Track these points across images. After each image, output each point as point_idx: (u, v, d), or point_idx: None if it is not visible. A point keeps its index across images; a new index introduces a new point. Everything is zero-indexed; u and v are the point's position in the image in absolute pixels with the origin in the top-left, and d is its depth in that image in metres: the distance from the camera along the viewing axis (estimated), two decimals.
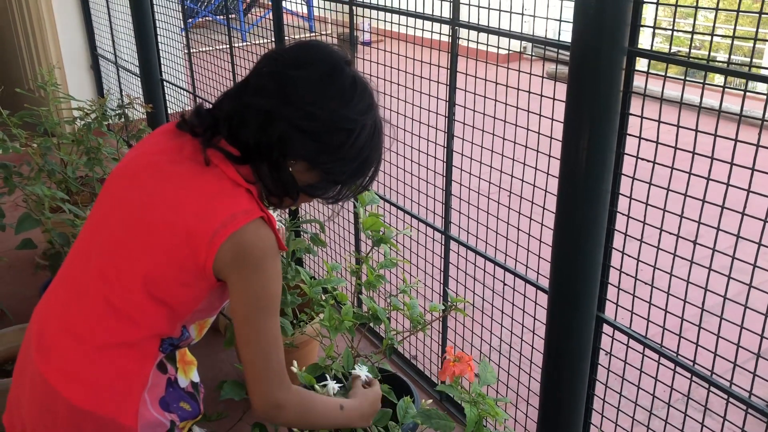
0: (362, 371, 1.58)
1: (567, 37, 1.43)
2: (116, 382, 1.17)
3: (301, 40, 1.27)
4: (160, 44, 3.96)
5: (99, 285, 1.17)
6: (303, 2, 4.18)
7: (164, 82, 4.03)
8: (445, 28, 1.97)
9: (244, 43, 3.32)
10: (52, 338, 1.19)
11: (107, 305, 1.16)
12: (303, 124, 1.14)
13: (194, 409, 1.33)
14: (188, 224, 1.12)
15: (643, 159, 1.45)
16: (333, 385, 1.56)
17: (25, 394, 1.22)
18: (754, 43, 1.21)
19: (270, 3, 2.76)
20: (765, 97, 1.13)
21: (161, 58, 3.99)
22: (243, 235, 1.12)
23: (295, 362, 1.71)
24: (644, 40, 1.37)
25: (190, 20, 7.64)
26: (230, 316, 1.19)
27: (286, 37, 2.81)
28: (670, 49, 1.36)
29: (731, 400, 1.39)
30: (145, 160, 1.22)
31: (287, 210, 2.86)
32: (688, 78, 1.34)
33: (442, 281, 2.32)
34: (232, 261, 1.12)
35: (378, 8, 2.24)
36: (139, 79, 4.16)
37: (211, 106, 1.26)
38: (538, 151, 1.78)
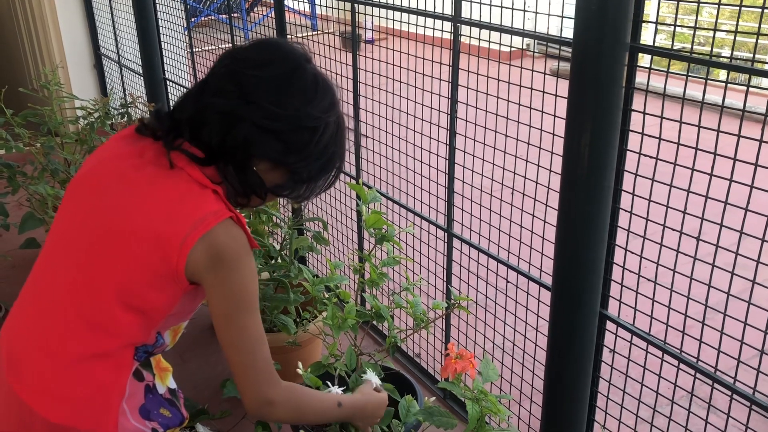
0: (373, 378, 1.59)
1: (569, 33, 1.43)
2: (93, 395, 1.15)
3: (260, 39, 1.26)
4: (162, 43, 3.96)
5: (70, 297, 1.15)
6: (306, 0, 4.18)
7: (167, 81, 4.03)
8: (447, 25, 1.97)
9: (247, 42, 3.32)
10: (23, 355, 1.17)
11: (79, 317, 1.14)
12: (266, 124, 1.13)
13: (175, 416, 1.31)
14: (158, 229, 1.11)
15: (645, 155, 1.44)
16: (336, 390, 1.56)
17: None
18: (757, 39, 1.20)
19: (272, 2, 2.76)
20: None
21: (164, 57, 3.99)
22: (214, 236, 1.10)
23: (300, 363, 1.71)
24: (647, 37, 1.35)
25: (193, 19, 7.64)
26: (211, 319, 1.19)
27: (288, 36, 2.81)
28: (672, 45, 1.35)
29: (735, 396, 1.39)
30: (107, 168, 1.20)
31: (290, 208, 2.86)
32: (690, 74, 1.33)
33: (445, 279, 2.32)
34: (206, 263, 1.11)
35: (380, 5, 2.23)
36: (141, 78, 4.17)
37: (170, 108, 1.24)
38: (540, 148, 1.77)
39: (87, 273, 1.14)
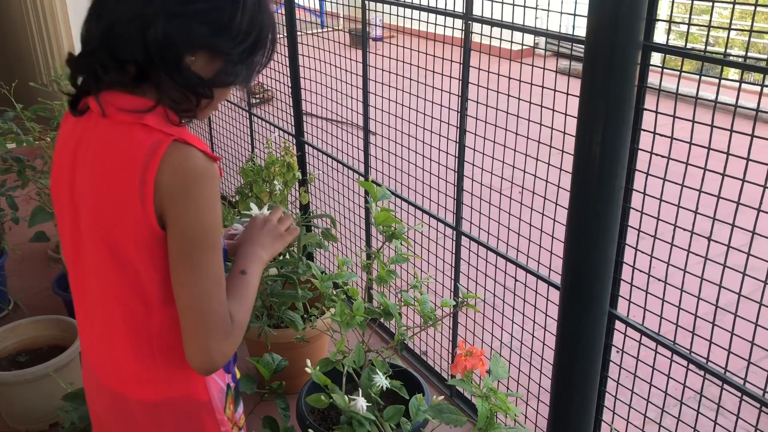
0: (253, 209, 1.38)
1: (580, 32, 1.43)
2: (178, 367, 1.13)
3: None
4: None
5: (98, 291, 1.13)
6: None
7: None
8: (458, 23, 1.97)
9: None
10: (99, 346, 1.18)
11: (115, 311, 1.13)
12: (184, 10, 1.02)
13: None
14: (113, 196, 1.04)
15: (657, 155, 1.44)
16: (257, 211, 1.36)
17: (100, 409, 1.22)
18: None
19: None
20: None
21: None
22: (163, 172, 1.00)
23: (308, 361, 1.72)
24: (658, 38, 1.36)
25: None
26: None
27: (298, 32, 2.81)
28: (686, 44, 1.34)
29: (744, 398, 1.38)
30: (59, 157, 1.15)
31: (298, 205, 2.86)
32: (703, 74, 1.33)
33: (453, 277, 2.32)
34: (165, 202, 1.02)
35: (391, 2, 2.23)
36: None
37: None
38: (551, 147, 1.77)
39: (97, 269, 1.12)
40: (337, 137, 2.80)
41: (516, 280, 2.04)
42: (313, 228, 2.58)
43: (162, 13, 1.01)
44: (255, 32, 1.09)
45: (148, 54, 1.01)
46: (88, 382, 1.25)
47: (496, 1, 1.86)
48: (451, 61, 2.08)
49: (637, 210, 1.51)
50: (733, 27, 1.24)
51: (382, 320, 1.88)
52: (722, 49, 1.26)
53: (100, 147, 1.05)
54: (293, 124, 3.00)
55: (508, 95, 1.89)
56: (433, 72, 2.19)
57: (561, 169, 1.70)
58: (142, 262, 1.07)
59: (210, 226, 1.04)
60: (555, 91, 1.70)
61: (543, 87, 1.75)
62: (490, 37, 1.88)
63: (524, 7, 1.78)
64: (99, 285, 1.14)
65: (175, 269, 1.04)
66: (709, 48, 1.27)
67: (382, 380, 1.62)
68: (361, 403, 1.56)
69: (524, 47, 1.74)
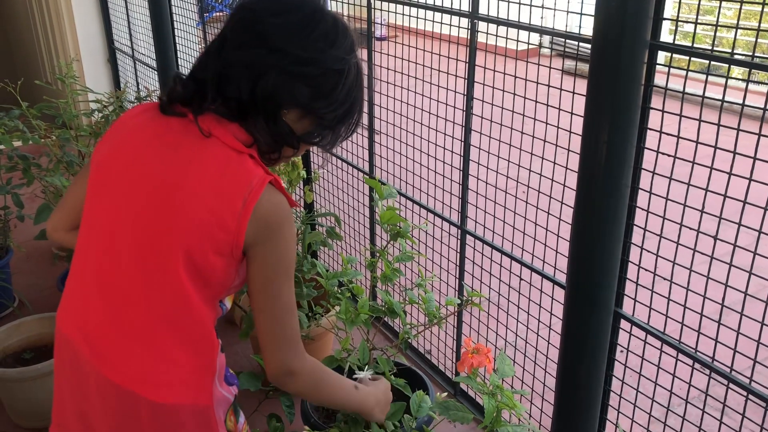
0: (365, 374, 1.57)
1: (586, 31, 1.43)
2: (193, 376, 1.18)
3: None
4: (177, 38, 3.97)
5: (144, 286, 1.14)
6: None
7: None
8: (464, 22, 1.97)
9: None
10: (112, 345, 1.17)
11: (161, 307, 1.14)
12: (295, 70, 1.12)
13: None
14: (210, 207, 1.10)
15: (663, 153, 1.44)
16: (366, 375, 1.56)
17: (92, 406, 1.20)
18: None
19: None
20: None
21: (178, 52, 4.00)
22: (262, 206, 1.11)
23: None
24: (663, 39, 1.36)
25: (207, 14, 7.65)
26: (247, 284, 1.19)
27: None
28: (693, 43, 1.34)
29: (750, 397, 1.38)
30: (139, 148, 1.17)
31: (302, 204, 2.87)
32: (709, 74, 1.33)
33: (457, 276, 2.32)
34: (257, 233, 1.12)
35: (397, 1, 2.23)
36: (155, 72, 4.18)
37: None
38: (556, 146, 1.77)
39: (152, 258, 1.13)
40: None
41: (521, 279, 2.04)
42: (317, 226, 2.58)
43: (275, 68, 1.12)
44: (348, 104, 1.20)
45: (252, 98, 1.12)
46: (73, 376, 1.22)
47: (502, 0, 1.86)
48: (457, 60, 2.09)
49: (642, 209, 1.51)
50: (740, 26, 1.24)
51: (386, 319, 1.88)
52: (727, 50, 1.26)
53: (212, 162, 1.13)
54: None
55: (514, 94, 1.89)
56: (438, 71, 2.19)
57: (567, 168, 1.71)
58: (213, 267, 1.15)
59: (292, 260, 1.18)
60: (561, 90, 1.70)
61: (549, 86, 1.75)
62: (496, 36, 1.88)
63: (530, 6, 1.78)
64: (138, 284, 1.15)
65: (257, 295, 1.18)
66: (714, 48, 1.28)
67: (366, 374, 1.60)
68: (362, 374, 1.54)
69: (530, 47, 1.74)
